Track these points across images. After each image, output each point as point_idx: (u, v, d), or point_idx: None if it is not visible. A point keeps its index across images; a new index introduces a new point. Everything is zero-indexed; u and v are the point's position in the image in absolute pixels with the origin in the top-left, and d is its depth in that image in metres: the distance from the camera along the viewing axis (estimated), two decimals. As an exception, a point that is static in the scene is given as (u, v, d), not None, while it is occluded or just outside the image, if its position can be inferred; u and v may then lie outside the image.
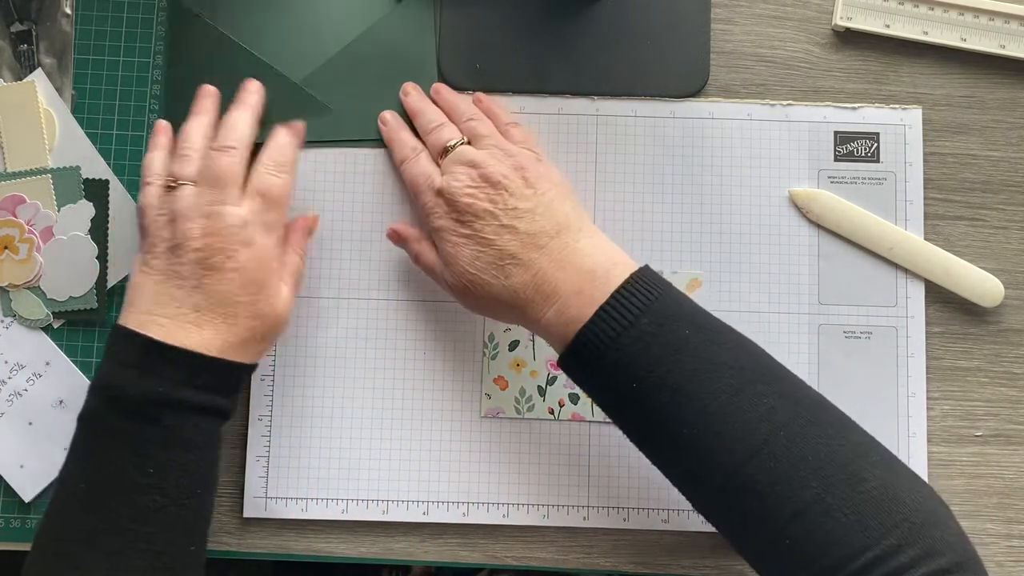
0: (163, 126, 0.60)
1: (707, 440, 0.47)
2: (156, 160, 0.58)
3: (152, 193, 0.56)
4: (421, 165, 0.59)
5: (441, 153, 0.59)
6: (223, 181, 0.54)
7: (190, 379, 0.51)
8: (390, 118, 0.63)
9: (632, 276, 0.51)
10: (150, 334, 0.51)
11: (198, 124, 0.58)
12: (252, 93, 0.60)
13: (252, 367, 0.56)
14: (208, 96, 0.60)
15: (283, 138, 0.59)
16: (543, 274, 0.52)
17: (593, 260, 0.52)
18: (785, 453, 0.45)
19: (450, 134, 0.60)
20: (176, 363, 0.51)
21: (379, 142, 0.64)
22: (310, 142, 0.62)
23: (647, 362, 0.48)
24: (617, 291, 0.50)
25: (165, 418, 0.51)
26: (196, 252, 0.53)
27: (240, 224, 0.54)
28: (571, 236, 0.54)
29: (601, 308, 0.50)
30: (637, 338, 0.48)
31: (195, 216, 0.53)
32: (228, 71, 0.60)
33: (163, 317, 0.52)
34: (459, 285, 0.55)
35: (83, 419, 0.53)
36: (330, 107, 0.63)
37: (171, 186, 0.55)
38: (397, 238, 0.61)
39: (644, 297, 0.49)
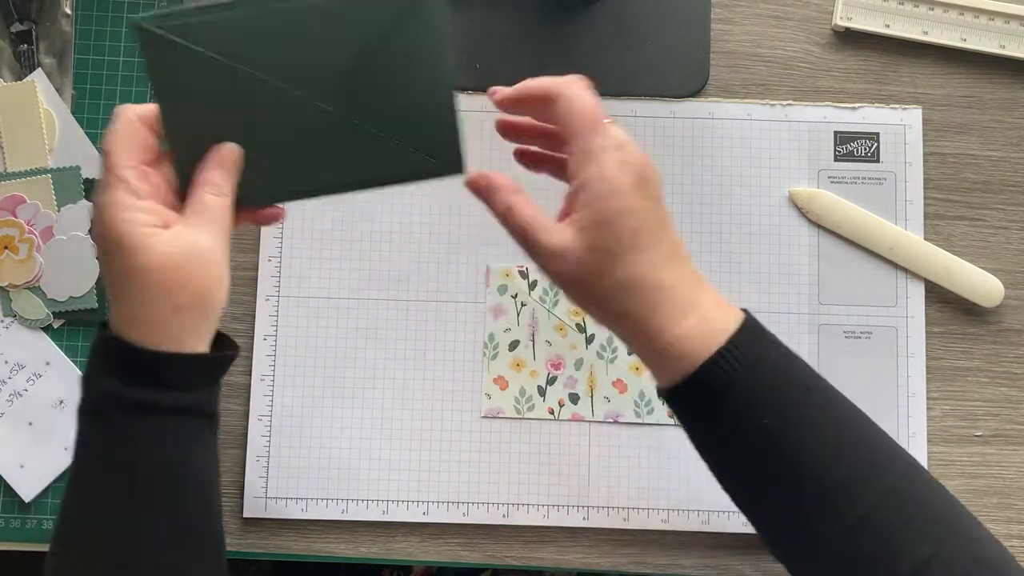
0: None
1: (831, 478, 0.45)
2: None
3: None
4: (596, 100, 0.49)
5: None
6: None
7: (139, 376, 0.46)
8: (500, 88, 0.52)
9: (744, 309, 0.49)
10: (116, 330, 0.46)
11: None
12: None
13: (210, 360, 0.48)
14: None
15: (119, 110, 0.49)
16: (691, 282, 0.48)
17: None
18: (904, 504, 0.45)
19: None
20: (125, 359, 0.46)
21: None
22: (344, 184, 0.50)
23: (784, 394, 0.46)
24: (747, 315, 0.48)
25: (116, 419, 0.47)
26: (105, 239, 0.47)
27: (98, 201, 0.46)
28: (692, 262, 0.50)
29: (742, 327, 0.47)
30: (774, 368, 0.47)
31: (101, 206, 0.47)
32: (229, 99, 0.48)
33: (126, 306, 0.47)
34: (597, 246, 0.46)
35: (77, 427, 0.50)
36: (395, 139, 0.49)
37: None
38: (484, 185, 0.49)
39: (765, 329, 0.48)
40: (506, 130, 0.53)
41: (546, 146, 0.53)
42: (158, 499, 0.46)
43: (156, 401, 0.46)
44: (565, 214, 0.48)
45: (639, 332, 0.48)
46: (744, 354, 0.46)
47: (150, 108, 0.47)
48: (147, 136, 0.47)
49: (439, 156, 0.50)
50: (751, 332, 0.47)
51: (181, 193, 0.47)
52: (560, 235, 0.47)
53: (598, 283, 0.47)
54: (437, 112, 0.49)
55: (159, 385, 0.46)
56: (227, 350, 0.49)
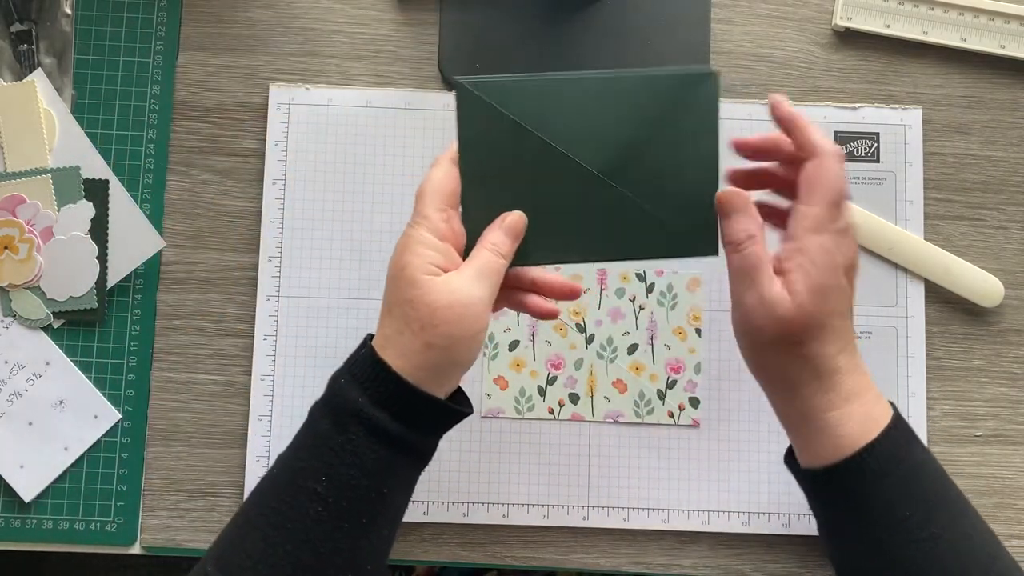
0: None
1: None
2: None
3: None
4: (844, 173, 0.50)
5: None
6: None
7: (386, 401, 0.48)
8: (782, 98, 0.51)
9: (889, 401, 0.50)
10: (377, 344, 0.49)
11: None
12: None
13: (446, 408, 0.50)
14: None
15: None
16: (858, 373, 0.48)
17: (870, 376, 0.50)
18: None
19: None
20: (380, 381, 0.48)
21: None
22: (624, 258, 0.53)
23: (924, 495, 0.47)
24: (896, 411, 0.49)
25: (354, 432, 0.48)
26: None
27: (404, 232, 0.50)
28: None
29: (892, 423, 0.48)
30: (918, 467, 0.48)
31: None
32: (520, 161, 0.51)
33: (389, 317, 0.50)
34: (809, 312, 0.47)
35: (311, 407, 0.50)
36: (660, 217, 0.51)
37: None
38: (736, 203, 0.50)
39: (909, 426, 0.49)
40: (741, 148, 0.53)
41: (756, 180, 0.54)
42: (356, 517, 0.48)
43: (393, 431, 0.48)
44: (783, 266, 0.49)
45: (802, 405, 0.48)
46: (897, 448, 0.47)
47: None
48: (457, 184, 0.51)
49: (699, 237, 0.52)
50: (902, 427, 0.48)
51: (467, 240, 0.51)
52: (778, 288, 0.47)
53: (789, 348, 0.48)
54: (702, 193, 0.51)
55: (397, 416, 0.48)
56: (464, 406, 0.51)
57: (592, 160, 0.51)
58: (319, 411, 0.49)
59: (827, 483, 0.48)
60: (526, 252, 0.52)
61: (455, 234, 0.50)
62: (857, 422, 0.47)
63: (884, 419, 0.47)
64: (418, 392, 0.48)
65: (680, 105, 0.51)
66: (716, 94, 0.51)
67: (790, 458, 0.51)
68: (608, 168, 0.51)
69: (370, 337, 0.50)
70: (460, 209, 0.51)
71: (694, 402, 0.63)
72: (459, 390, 0.51)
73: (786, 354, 0.48)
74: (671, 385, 0.63)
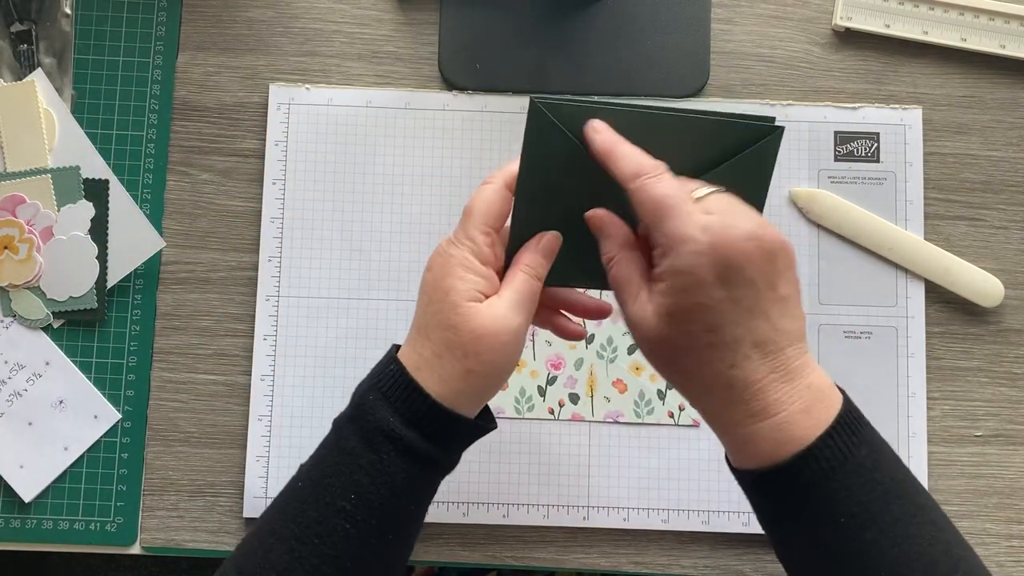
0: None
1: None
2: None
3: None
4: (673, 185, 0.47)
5: (691, 196, 0.47)
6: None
7: (419, 423, 0.48)
8: (601, 127, 0.49)
9: (846, 397, 0.47)
10: (409, 364, 0.49)
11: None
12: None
13: (475, 426, 0.50)
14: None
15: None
16: (771, 382, 0.45)
17: (820, 377, 0.46)
18: None
19: (696, 185, 0.48)
20: (414, 403, 0.48)
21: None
22: None
23: (863, 498, 0.45)
24: (843, 412, 0.46)
25: (385, 452, 0.48)
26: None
27: (443, 248, 0.50)
28: (802, 345, 0.47)
29: (827, 433, 0.45)
30: (855, 471, 0.45)
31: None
32: (579, 190, 0.51)
33: (424, 341, 0.49)
34: (666, 335, 0.46)
35: (336, 420, 0.50)
36: None
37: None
38: (598, 226, 0.50)
39: (859, 426, 0.46)
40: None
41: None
42: (383, 535, 0.48)
43: (427, 452, 0.48)
44: (650, 287, 0.47)
45: (708, 419, 0.48)
46: (823, 460, 0.45)
47: (511, 172, 0.51)
48: (508, 206, 0.50)
49: None
50: (839, 435, 0.45)
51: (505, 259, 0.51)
52: (640, 309, 0.47)
53: (668, 366, 0.47)
54: None
55: (429, 437, 0.48)
56: (488, 421, 0.52)
57: None
58: (347, 427, 0.49)
59: (750, 487, 0.48)
60: (566, 274, 0.52)
61: (496, 259, 0.50)
62: (770, 442, 0.45)
63: (808, 433, 0.45)
64: (454, 416, 0.48)
65: (743, 153, 0.50)
66: (777, 147, 0.51)
67: None
68: None
69: (396, 348, 0.50)
70: (510, 226, 0.51)
71: (694, 402, 0.63)
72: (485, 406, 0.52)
73: (671, 373, 0.48)
74: (671, 385, 0.63)
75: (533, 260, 0.50)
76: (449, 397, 0.48)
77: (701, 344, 0.45)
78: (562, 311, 0.55)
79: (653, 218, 0.46)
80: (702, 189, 0.47)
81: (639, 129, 0.50)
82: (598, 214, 0.50)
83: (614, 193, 0.48)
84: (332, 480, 0.48)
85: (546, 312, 0.54)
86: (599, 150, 0.48)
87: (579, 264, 0.52)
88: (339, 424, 0.49)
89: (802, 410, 0.45)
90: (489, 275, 0.49)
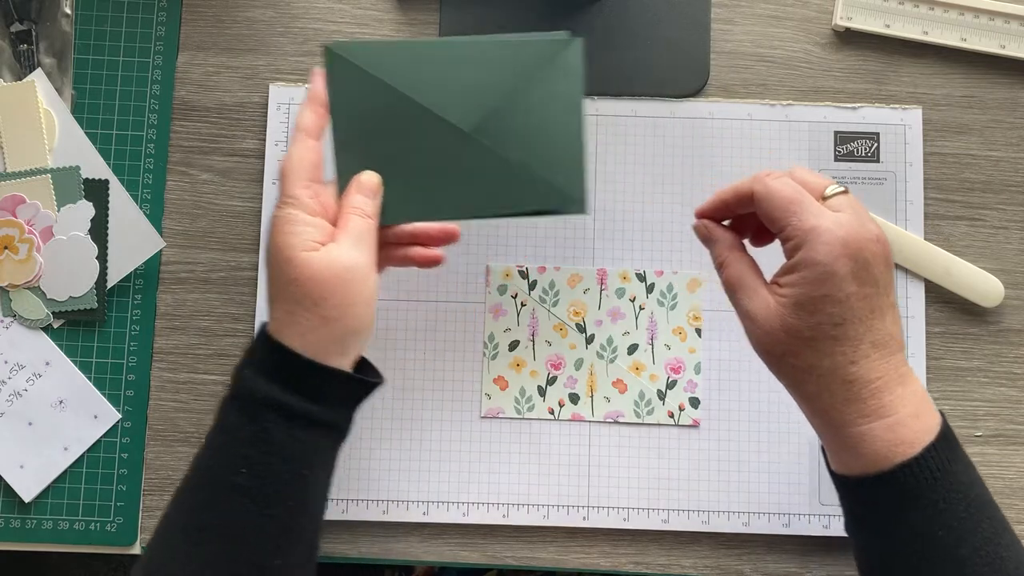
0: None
1: None
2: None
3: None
4: (804, 192, 0.48)
5: (821, 196, 0.49)
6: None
7: (293, 383, 0.48)
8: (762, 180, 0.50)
9: (943, 416, 0.48)
10: (272, 330, 0.49)
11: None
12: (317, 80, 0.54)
13: (353, 379, 0.51)
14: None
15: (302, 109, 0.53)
16: (888, 382, 0.46)
17: (921, 387, 0.48)
18: None
19: (826, 181, 0.50)
20: (283, 365, 0.49)
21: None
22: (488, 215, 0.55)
23: (961, 514, 0.46)
24: (943, 429, 0.47)
25: (266, 420, 0.48)
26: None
27: (272, 216, 0.51)
28: (904, 353, 0.48)
29: (933, 444, 0.46)
30: (954, 486, 0.46)
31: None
32: (394, 126, 0.53)
33: (277, 311, 0.50)
34: (792, 326, 0.47)
35: (219, 404, 0.51)
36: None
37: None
38: (704, 235, 0.53)
39: (958, 444, 0.47)
40: (705, 216, 0.54)
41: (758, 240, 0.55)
42: (282, 503, 0.48)
43: (307, 412, 0.49)
44: (777, 279, 0.49)
45: (820, 418, 0.48)
46: (929, 471, 0.45)
47: (319, 124, 0.52)
48: (319, 156, 0.52)
49: (566, 195, 0.54)
50: (942, 447, 0.46)
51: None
52: (761, 302, 0.48)
53: (786, 359, 0.48)
54: (568, 153, 0.54)
55: (311, 398, 0.49)
56: (372, 376, 0.52)
57: (462, 120, 0.54)
58: (227, 406, 0.49)
59: (852, 491, 0.48)
60: (402, 210, 0.54)
61: (325, 208, 0.51)
62: (883, 443, 0.46)
63: (918, 438, 0.46)
64: (323, 368, 0.48)
65: (546, 69, 0.54)
66: (577, 59, 0.54)
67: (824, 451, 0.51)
68: (478, 127, 0.54)
69: (265, 326, 0.50)
70: (336, 178, 0.53)
71: (694, 402, 0.63)
72: (365, 362, 0.53)
73: (789, 367, 0.48)
74: (671, 385, 0.63)
75: (356, 201, 0.52)
76: (313, 349, 0.49)
77: (826, 336, 0.46)
78: (414, 244, 0.56)
79: (784, 212, 0.48)
80: (831, 188, 0.49)
81: (446, 60, 0.54)
82: (704, 224, 0.53)
83: (440, 128, 0.53)
84: (222, 460, 0.48)
85: (399, 249, 0.56)
86: (713, 220, 0.52)
87: (415, 198, 0.54)
88: (222, 407, 0.50)
89: (913, 415, 0.46)
90: (319, 223, 0.50)
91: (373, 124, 0.54)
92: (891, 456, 0.46)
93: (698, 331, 0.63)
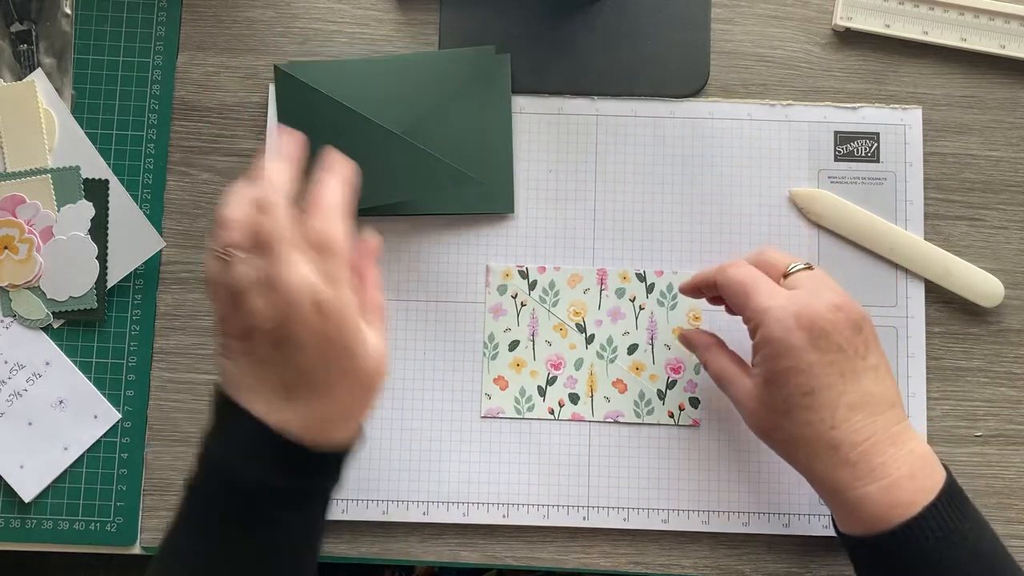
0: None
1: None
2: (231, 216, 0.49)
3: (210, 266, 0.48)
4: (760, 274, 0.52)
5: (782, 275, 0.53)
6: (271, 243, 0.45)
7: (288, 466, 0.46)
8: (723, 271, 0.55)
9: (948, 472, 0.49)
10: (255, 412, 0.45)
11: (243, 191, 0.49)
12: (338, 162, 0.52)
13: (351, 445, 0.50)
14: (288, 142, 0.52)
15: (329, 179, 0.51)
16: (876, 443, 0.47)
17: (922, 445, 0.48)
18: None
19: (791, 260, 0.53)
20: (278, 449, 0.45)
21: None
22: (438, 214, 0.63)
23: (968, 571, 0.46)
24: (947, 485, 0.47)
25: (266, 506, 0.46)
26: (268, 333, 0.45)
27: (304, 286, 0.45)
28: (901, 412, 0.49)
29: (934, 504, 0.46)
30: (960, 544, 0.46)
31: (254, 290, 0.45)
32: (336, 133, 0.60)
33: (261, 395, 0.46)
34: (767, 402, 0.50)
35: (194, 491, 0.47)
36: (475, 178, 0.61)
37: (223, 257, 0.47)
38: (686, 342, 0.60)
39: (962, 500, 0.48)
40: (688, 292, 0.60)
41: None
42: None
43: (307, 488, 0.47)
44: (752, 362, 0.52)
45: (819, 485, 0.49)
46: (930, 530, 0.46)
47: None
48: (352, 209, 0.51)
49: (497, 196, 0.63)
50: (944, 506, 0.46)
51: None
52: (742, 387, 0.52)
53: (773, 435, 0.50)
54: (499, 157, 0.63)
55: (313, 474, 0.47)
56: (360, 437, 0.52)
57: (396, 124, 0.61)
58: (218, 507, 0.46)
59: (855, 551, 0.49)
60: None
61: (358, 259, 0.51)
62: (879, 505, 0.47)
63: (917, 498, 0.46)
64: (335, 454, 0.48)
65: (476, 79, 0.63)
66: (507, 69, 0.64)
67: None
68: (409, 130, 0.62)
69: (228, 406, 0.46)
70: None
71: (694, 402, 0.63)
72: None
73: (777, 442, 0.51)
74: (671, 385, 0.63)
75: (375, 275, 0.52)
76: (341, 435, 0.48)
77: (799, 406, 0.48)
78: None
79: (742, 298, 0.51)
80: (794, 265, 0.53)
81: (379, 74, 0.63)
82: (686, 335, 0.59)
83: (368, 127, 0.61)
84: (219, 554, 0.46)
85: None
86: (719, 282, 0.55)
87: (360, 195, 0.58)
88: (204, 503, 0.47)
89: (908, 475, 0.47)
90: (360, 291, 0.50)
91: (316, 130, 0.57)
92: (889, 517, 0.46)
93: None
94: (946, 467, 0.49)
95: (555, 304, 0.63)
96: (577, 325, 0.63)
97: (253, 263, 0.45)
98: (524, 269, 0.64)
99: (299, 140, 0.52)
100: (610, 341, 0.63)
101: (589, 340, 0.63)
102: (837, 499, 0.49)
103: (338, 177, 0.50)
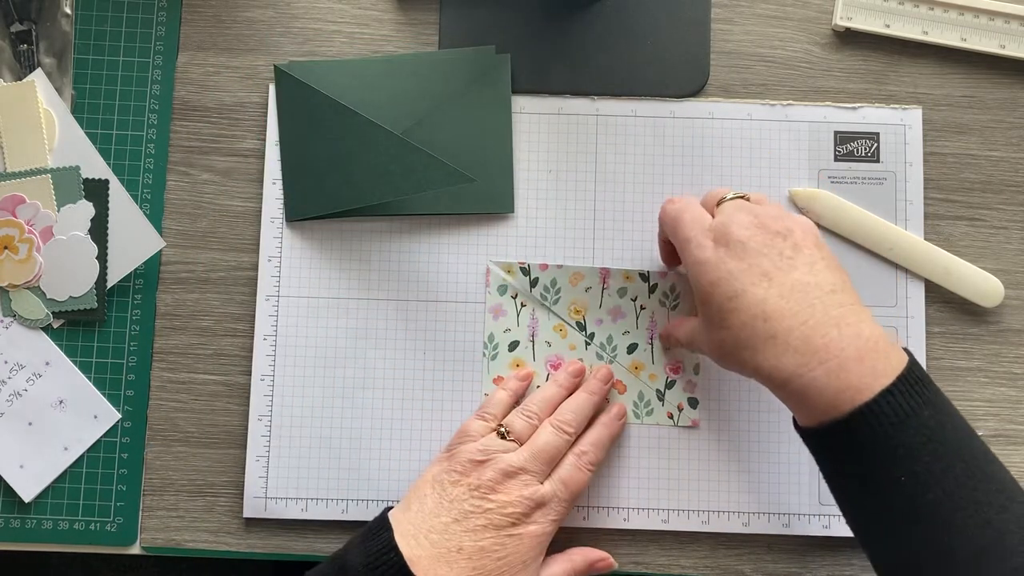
0: (526, 375, 0.62)
1: (965, 547, 0.44)
2: (502, 399, 0.60)
3: (480, 426, 0.58)
4: (689, 205, 0.55)
5: (716, 205, 0.55)
6: (548, 460, 0.56)
7: None
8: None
9: (911, 358, 0.48)
10: (408, 551, 0.52)
11: (554, 393, 0.60)
12: (601, 382, 0.61)
13: None
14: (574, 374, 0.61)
15: (608, 430, 0.60)
16: (814, 326, 0.47)
17: (873, 330, 0.47)
18: None
19: (725, 192, 0.56)
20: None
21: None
22: (431, 214, 0.64)
23: (925, 458, 0.45)
24: (906, 371, 0.46)
25: None
26: (491, 511, 0.53)
27: (542, 503, 0.55)
28: (847, 297, 0.49)
29: (888, 390, 0.45)
30: (917, 430, 0.45)
31: (510, 481, 0.54)
32: (335, 132, 0.62)
33: (427, 539, 0.53)
34: (705, 317, 0.52)
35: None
36: (471, 177, 0.59)
37: (500, 433, 0.57)
38: (666, 340, 0.62)
39: (923, 386, 0.47)
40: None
41: None
42: None
43: None
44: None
45: (768, 381, 0.49)
46: (885, 417, 0.45)
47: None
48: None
49: (496, 196, 0.63)
50: (901, 391, 0.46)
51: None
52: (695, 329, 0.55)
53: (726, 354, 0.51)
54: (499, 157, 0.63)
55: None
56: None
57: (395, 124, 0.62)
58: None
59: (811, 442, 0.50)
60: (340, 198, 0.62)
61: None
62: (827, 390, 0.46)
63: (869, 386, 0.45)
64: None
65: (477, 79, 0.63)
66: (507, 69, 0.64)
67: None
68: (409, 131, 0.62)
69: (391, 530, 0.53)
70: (282, 172, 0.63)
71: (693, 402, 0.63)
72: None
73: (724, 351, 0.52)
74: (670, 385, 0.63)
75: (575, 567, 0.59)
76: None
77: (728, 310, 0.49)
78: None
79: (673, 232, 0.55)
80: (730, 195, 0.55)
81: (377, 74, 0.64)
82: (662, 334, 0.62)
83: (367, 127, 0.61)
84: None
85: None
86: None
87: (329, 192, 0.62)
88: None
89: (855, 358, 0.46)
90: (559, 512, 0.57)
91: (315, 130, 0.61)
92: (840, 403, 0.46)
93: (698, 331, 0.63)
94: (908, 352, 0.48)
95: (556, 302, 0.63)
96: (577, 323, 0.63)
97: (524, 462, 0.55)
98: (526, 266, 0.64)
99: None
100: (610, 340, 0.63)
101: (589, 340, 0.63)
102: (788, 390, 0.48)
103: (617, 421, 0.61)
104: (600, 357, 0.63)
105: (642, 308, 0.63)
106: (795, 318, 0.47)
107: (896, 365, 0.47)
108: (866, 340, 0.47)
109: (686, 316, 0.60)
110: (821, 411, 0.47)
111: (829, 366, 0.46)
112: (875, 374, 0.46)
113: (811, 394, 0.47)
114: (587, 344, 0.63)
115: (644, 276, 0.64)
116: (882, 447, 0.45)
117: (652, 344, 0.63)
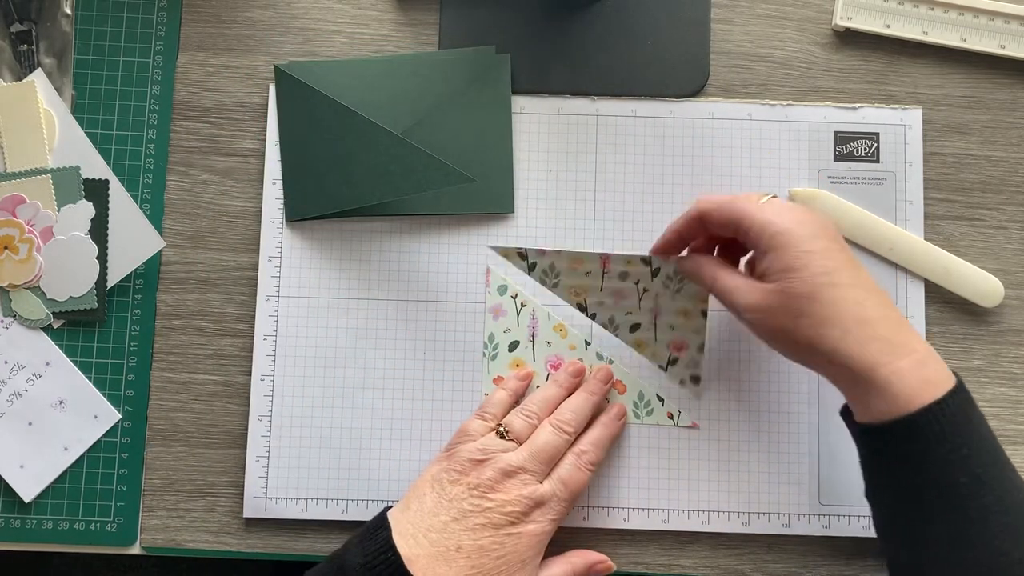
0: (526, 375, 0.62)
1: (1014, 551, 0.45)
2: (502, 399, 0.60)
3: (479, 426, 0.58)
4: (728, 198, 0.54)
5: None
6: (547, 459, 0.56)
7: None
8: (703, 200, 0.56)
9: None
10: (406, 551, 0.52)
11: (554, 393, 0.60)
12: (601, 382, 0.61)
13: None
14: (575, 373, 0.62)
15: (608, 430, 0.60)
16: (897, 320, 0.49)
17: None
18: None
19: (760, 195, 0.55)
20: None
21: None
22: (438, 214, 0.64)
23: (984, 460, 0.46)
24: (958, 377, 0.48)
25: None
26: (491, 510, 0.54)
27: (541, 503, 0.55)
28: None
29: (957, 387, 0.47)
30: (978, 430, 0.47)
31: (509, 480, 0.55)
32: (333, 131, 0.62)
33: (426, 538, 0.53)
34: (787, 288, 0.49)
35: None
36: (471, 177, 0.59)
37: (500, 432, 0.57)
38: (691, 267, 0.58)
39: (970, 394, 0.48)
40: (661, 251, 0.61)
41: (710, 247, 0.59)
42: None
43: None
44: (752, 267, 0.53)
45: (845, 368, 0.48)
46: (958, 412, 0.46)
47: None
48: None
49: (497, 196, 0.63)
50: (965, 394, 0.47)
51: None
52: (756, 293, 0.51)
53: (798, 324, 0.49)
54: (499, 157, 0.63)
55: None
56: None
57: (395, 124, 0.62)
58: None
59: (879, 441, 0.49)
60: (340, 197, 0.62)
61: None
62: (916, 381, 0.47)
63: (943, 381, 0.47)
64: None
65: (476, 79, 0.63)
66: (507, 69, 0.64)
67: (846, 412, 0.52)
68: (409, 131, 0.63)
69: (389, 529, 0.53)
70: (281, 173, 0.63)
71: (696, 379, 0.62)
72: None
73: (803, 330, 0.50)
74: (673, 362, 0.63)
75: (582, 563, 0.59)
76: None
77: (824, 284, 0.48)
78: None
79: (736, 213, 0.53)
80: (764, 197, 0.54)
81: (377, 75, 0.64)
82: (685, 259, 0.58)
83: (367, 126, 0.61)
84: None
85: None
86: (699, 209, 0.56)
87: (329, 192, 0.62)
88: None
89: (930, 355, 0.48)
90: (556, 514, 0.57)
91: (315, 130, 0.62)
92: (922, 395, 0.46)
93: (704, 313, 0.63)
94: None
95: (555, 285, 0.63)
96: (578, 305, 0.63)
97: (523, 461, 0.55)
98: (523, 251, 0.64)
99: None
100: (612, 320, 0.63)
101: (589, 341, 0.63)
102: (869, 377, 0.47)
103: (617, 422, 0.61)
104: (600, 358, 0.63)
105: (645, 291, 0.63)
106: (881, 309, 0.49)
107: (949, 372, 0.48)
108: (927, 345, 0.49)
109: (736, 270, 0.55)
110: (900, 402, 0.47)
111: (914, 359, 0.47)
112: (944, 375, 0.48)
113: (895, 384, 0.47)
114: (587, 344, 0.63)
115: (646, 261, 0.63)
116: (949, 445, 0.46)
117: (655, 324, 0.63)
